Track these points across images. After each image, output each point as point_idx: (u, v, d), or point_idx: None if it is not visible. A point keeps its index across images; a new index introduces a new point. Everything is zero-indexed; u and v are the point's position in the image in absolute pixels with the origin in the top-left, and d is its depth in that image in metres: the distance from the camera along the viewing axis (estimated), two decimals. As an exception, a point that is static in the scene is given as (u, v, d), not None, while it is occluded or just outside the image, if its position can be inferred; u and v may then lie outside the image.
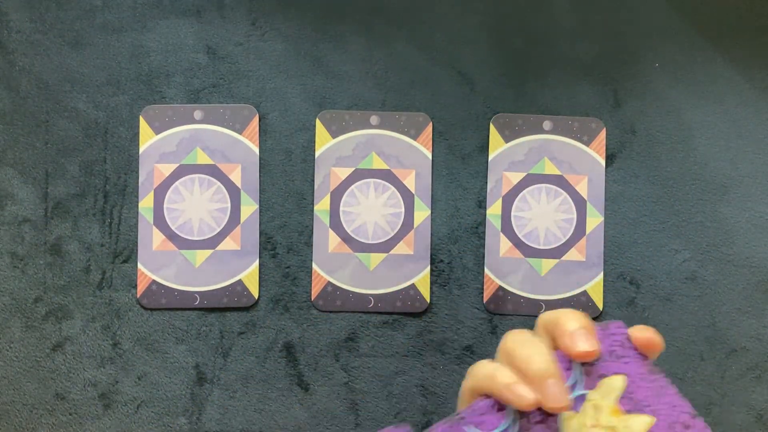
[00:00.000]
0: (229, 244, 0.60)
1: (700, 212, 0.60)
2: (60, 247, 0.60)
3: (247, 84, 0.61)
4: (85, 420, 0.59)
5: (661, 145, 0.61)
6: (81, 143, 0.60)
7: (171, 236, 0.60)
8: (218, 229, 0.60)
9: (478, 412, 0.35)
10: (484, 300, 0.60)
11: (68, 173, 0.60)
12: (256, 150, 0.60)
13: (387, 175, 0.60)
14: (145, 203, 0.60)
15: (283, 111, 0.61)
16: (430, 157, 0.61)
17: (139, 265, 0.59)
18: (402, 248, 0.60)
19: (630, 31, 0.61)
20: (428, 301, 0.60)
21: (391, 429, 0.37)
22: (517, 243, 0.60)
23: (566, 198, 0.60)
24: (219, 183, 0.60)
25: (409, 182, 0.60)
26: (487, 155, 0.61)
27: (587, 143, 0.60)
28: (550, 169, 0.60)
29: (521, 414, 0.35)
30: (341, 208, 0.60)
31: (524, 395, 0.34)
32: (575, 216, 0.60)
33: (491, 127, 0.61)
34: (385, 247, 0.60)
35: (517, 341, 0.36)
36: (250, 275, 0.60)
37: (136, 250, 0.60)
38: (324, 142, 0.60)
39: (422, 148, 0.60)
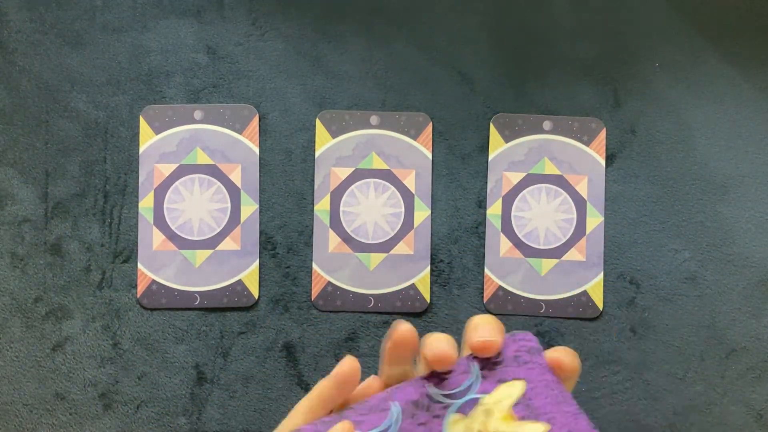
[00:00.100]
0: (229, 244, 0.60)
1: (701, 212, 0.60)
2: (60, 247, 0.60)
3: (247, 84, 0.61)
4: (85, 420, 0.59)
5: (661, 145, 0.61)
6: (81, 143, 0.60)
7: (171, 236, 0.60)
8: (218, 229, 0.60)
9: (363, 410, 0.34)
10: (484, 300, 0.60)
11: (68, 173, 0.60)
12: (256, 150, 0.60)
13: (387, 175, 0.60)
14: (145, 203, 0.60)
15: (283, 111, 0.61)
16: (430, 157, 0.61)
17: (139, 265, 0.59)
18: (402, 248, 0.60)
19: (630, 31, 0.61)
20: (428, 301, 0.60)
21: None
22: (517, 243, 0.60)
23: (566, 198, 0.60)
24: (219, 183, 0.60)
25: (409, 182, 0.60)
26: (487, 155, 0.61)
27: (587, 143, 0.60)
28: (550, 169, 0.60)
29: (405, 413, 0.34)
30: (341, 208, 0.60)
31: (402, 328, 0.34)
32: (575, 216, 0.60)
33: (491, 127, 0.61)
34: (385, 247, 0.60)
35: (428, 335, 0.35)
36: (250, 275, 0.60)
37: (136, 250, 0.60)
38: (324, 142, 0.60)
39: (422, 148, 0.60)
